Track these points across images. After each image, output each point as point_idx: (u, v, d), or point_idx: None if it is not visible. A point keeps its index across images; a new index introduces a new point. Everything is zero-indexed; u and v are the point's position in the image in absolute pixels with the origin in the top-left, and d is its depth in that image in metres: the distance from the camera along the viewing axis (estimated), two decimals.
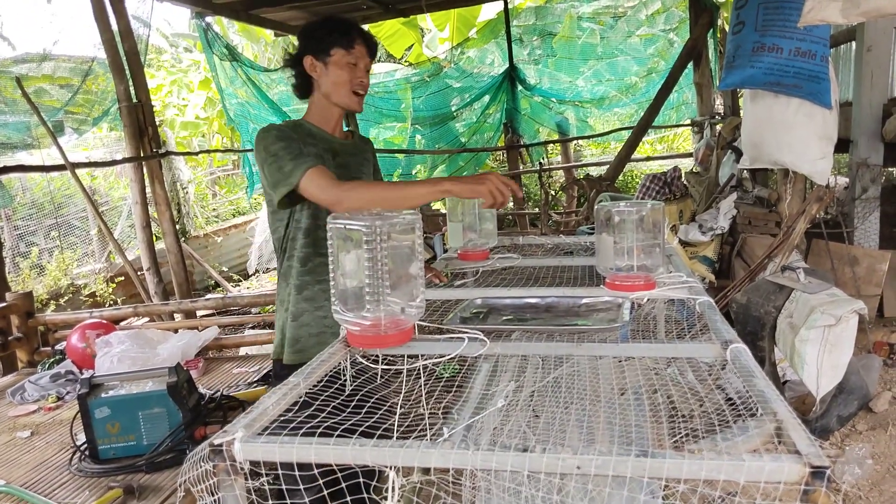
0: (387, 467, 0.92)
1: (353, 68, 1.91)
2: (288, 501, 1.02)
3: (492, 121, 9.18)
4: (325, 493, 1.00)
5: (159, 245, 6.18)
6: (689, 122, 8.06)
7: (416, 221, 1.30)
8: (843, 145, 4.51)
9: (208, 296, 8.22)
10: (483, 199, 1.63)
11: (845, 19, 2.40)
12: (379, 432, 1.12)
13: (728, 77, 3.72)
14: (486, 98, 8.95)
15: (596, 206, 1.63)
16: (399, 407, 1.29)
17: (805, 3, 2.43)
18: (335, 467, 0.94)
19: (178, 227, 6.51)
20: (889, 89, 4.57)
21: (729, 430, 1.08)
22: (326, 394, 1.19)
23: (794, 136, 3.54)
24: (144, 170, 5.44)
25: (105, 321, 4.13)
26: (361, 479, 1.00)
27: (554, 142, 9.88)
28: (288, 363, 1.97)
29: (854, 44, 4.70)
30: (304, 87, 1.99)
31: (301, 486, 0.93)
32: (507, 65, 8.74)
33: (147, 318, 5.24)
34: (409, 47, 11.11)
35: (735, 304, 3.50)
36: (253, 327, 6.06)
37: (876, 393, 3.45)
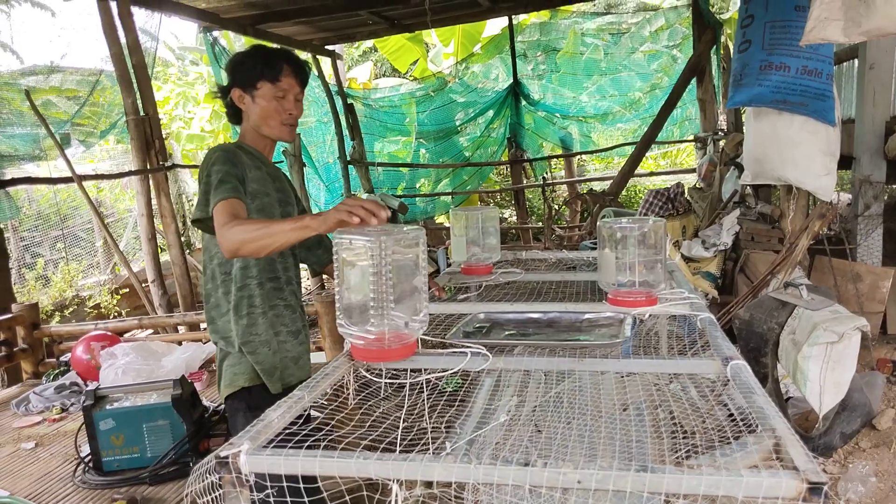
0: (390, 480, 0.93)
1: (280, 101, 1.90)
2: None
3: (496, 135, 9.23)
4: None
5: (164, 257, 6.20)
6: (692, 137, 8.08)
7: (420, 236, 1.31)
8: (845, 162, 4.53)
9: None
10: (343, 218, 1.45)
11: (846, 38, 2.43)
12: (382, 446, 1.13)
13: (736, 95, 3.73)
14: (490, 113, 9.01)
15: (598, 222, 1.65)
16: (402, 421, 1.30)
17: (807, 22, 2.46)
18: (339, 480, 0.95)
19: (183, 239, 6.52)
20: (891, 107, 4.59)
21: (729, 446, 1.09)
22: (331, 407, 1.20)
23: (799, 153, 3.55)
24: (150, 182, 5.47)
25: (110, 333, 4.15)
26: (365, 493, 1.01)
27: (557, 156, 9.92)
28: (275, 392, 1.86)
29: (856, 61, 4.73)
30: (235, 116, 1.99)
31: (306, 499, 0.94)
32: (511, 80, 8.81)
33: (151, 330, 5.25)
34: (415, 62, 11.19)
35: (738, 320, 3.50)
36: None
37: (879, 410, 3.44)
